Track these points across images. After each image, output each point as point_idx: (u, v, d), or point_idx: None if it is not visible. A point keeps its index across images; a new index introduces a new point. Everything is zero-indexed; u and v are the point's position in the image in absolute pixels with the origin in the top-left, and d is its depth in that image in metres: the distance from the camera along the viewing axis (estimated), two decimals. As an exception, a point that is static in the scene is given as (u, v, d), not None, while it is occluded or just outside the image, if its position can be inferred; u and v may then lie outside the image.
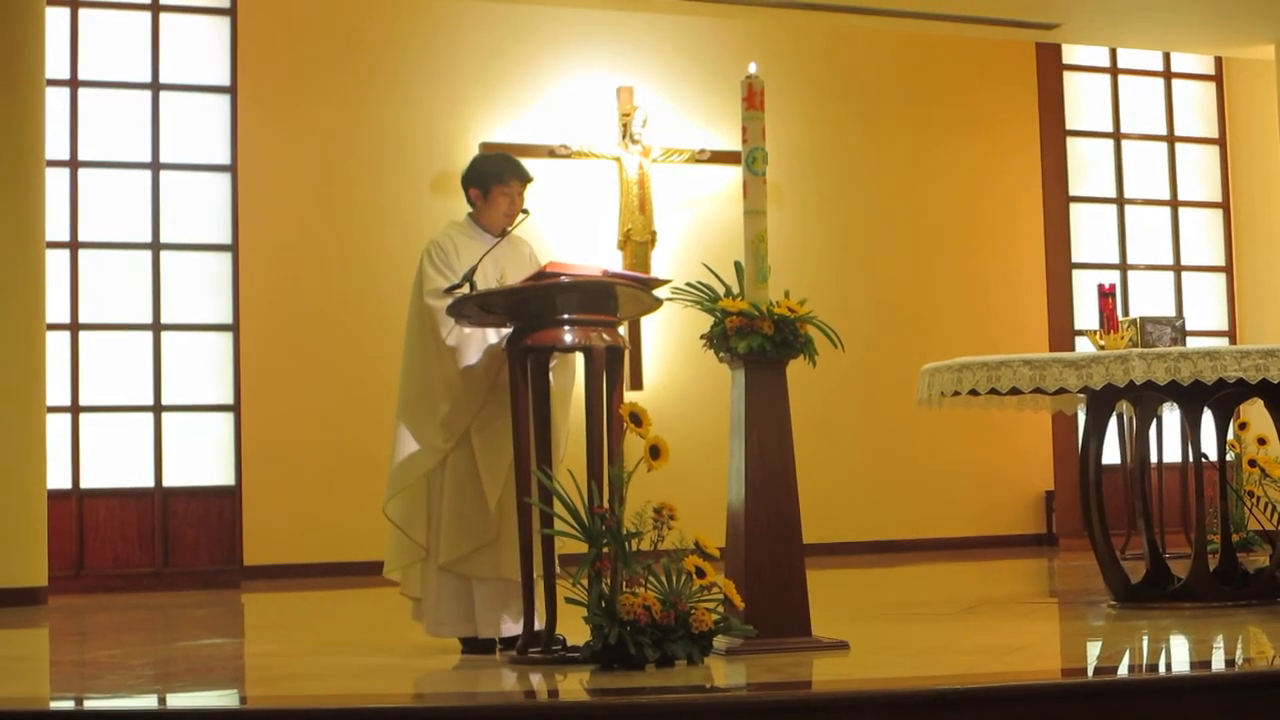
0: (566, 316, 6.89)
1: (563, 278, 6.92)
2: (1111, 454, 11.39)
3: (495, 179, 7.59)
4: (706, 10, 14.34)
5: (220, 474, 13.12)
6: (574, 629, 6.78)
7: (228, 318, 13.20)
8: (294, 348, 13.37)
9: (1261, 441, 11.08)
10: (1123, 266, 15.99)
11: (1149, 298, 15.97)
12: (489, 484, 7.27)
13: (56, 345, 12.51)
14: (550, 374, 7.25)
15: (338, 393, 13.39)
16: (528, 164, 7.79)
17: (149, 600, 11.72)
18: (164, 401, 13.04)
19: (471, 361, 7.27)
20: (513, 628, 7.26)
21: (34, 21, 11.75)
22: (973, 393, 8.47)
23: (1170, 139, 16.37)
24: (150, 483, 12.95)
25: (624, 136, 14.14)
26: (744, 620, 6.75)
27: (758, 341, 6.92)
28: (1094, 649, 7.45)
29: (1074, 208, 15.85)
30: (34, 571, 11.39)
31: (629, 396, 13.34)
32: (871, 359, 14.29)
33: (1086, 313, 15.37)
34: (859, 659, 6.69)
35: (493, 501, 7.26)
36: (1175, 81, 16.48)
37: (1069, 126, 15.92)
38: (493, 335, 7.31)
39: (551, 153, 13.74)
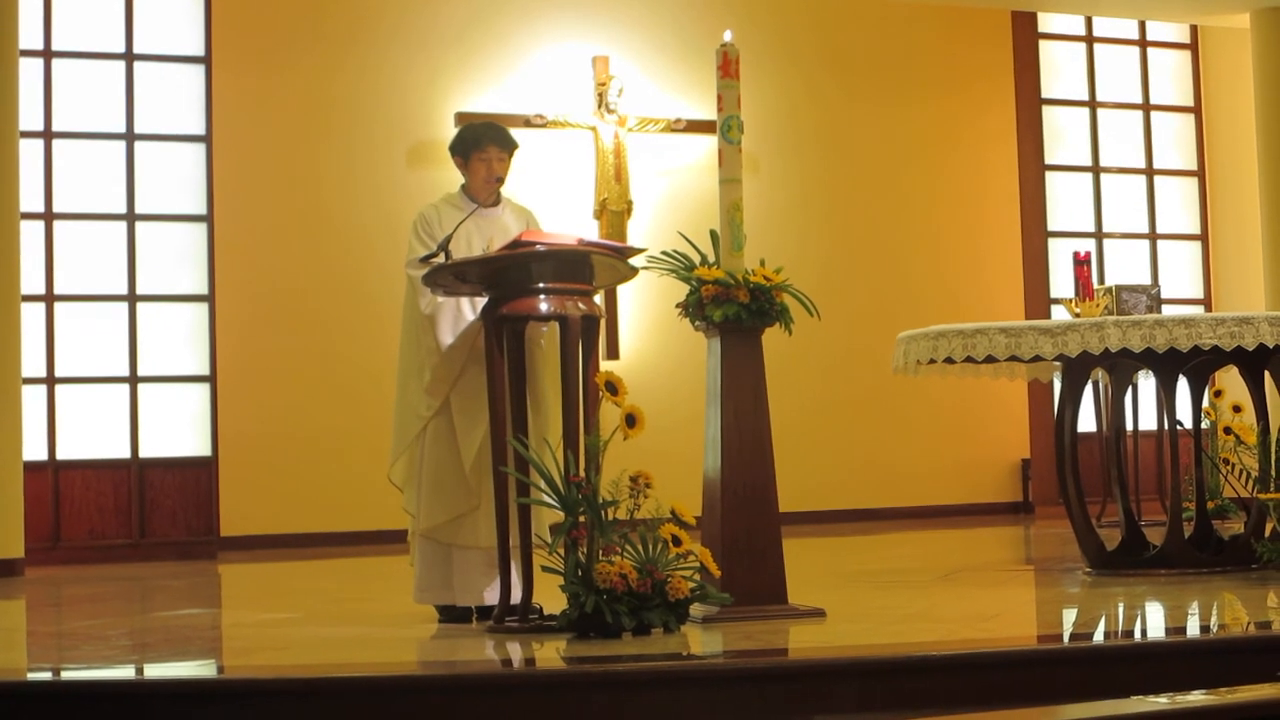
0: (542, 285, 6.88)
1: (538, 246, 6.91)
2: (1087, 422, 11.43)
3: (473, 145, 7.62)
4: (682, -21, 14.33)
5: (197, 445, 13.10)
6: (551, 598, 6.79)
7: (203, 288, 13.16)
8: (269, 318, 13.34)
9: (1236, 409, 11.12)
10: (1098, 235, 16.01)
11: (1125, 266, 16.00)
12: (465, 449, 7.28)
13: (32, 317, 12.47)
14: (543, 343, 7.27)
15: (314, 363, 13.37)
16: (506, 132, 7.80)
17: (125, 571, 11.71)
18: (140, 373, 13.01)
19: (446, 329, 7.28)
20: (492, 597, 7.27)
21: (7, -9, 11.71)
22: (949, 360, 8.48)
23: (1146, 107, 16.38)
24: (127, 454, 12.93)
25: (600, 106, 14.10)
26: (720, 588, 6.77)
27: (733, 310, 6.94)
28: (1070, 616, 7.48)
29: (1050, 176, 15.86)
30: (10, 543, 11.38)
31: (605, 365, 13.39)
32: (848, 326, 14.28)
33: (1062, 281, 15.40)
34: (835, 626, 6.71)
35: (468, 465, 7.27)
36: (1151, 50, 16.48)
37: (1045, 95, 15.92)
38: (466, 305, 7.32)
39: (527, 122, 13.70)
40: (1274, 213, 14.67)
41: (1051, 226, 15.79)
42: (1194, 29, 16.50)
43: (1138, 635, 6.76)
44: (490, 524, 7.14)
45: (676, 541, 6.47)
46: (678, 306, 7.16)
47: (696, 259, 7.10)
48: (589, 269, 7.03)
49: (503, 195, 7.70)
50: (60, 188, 12.93)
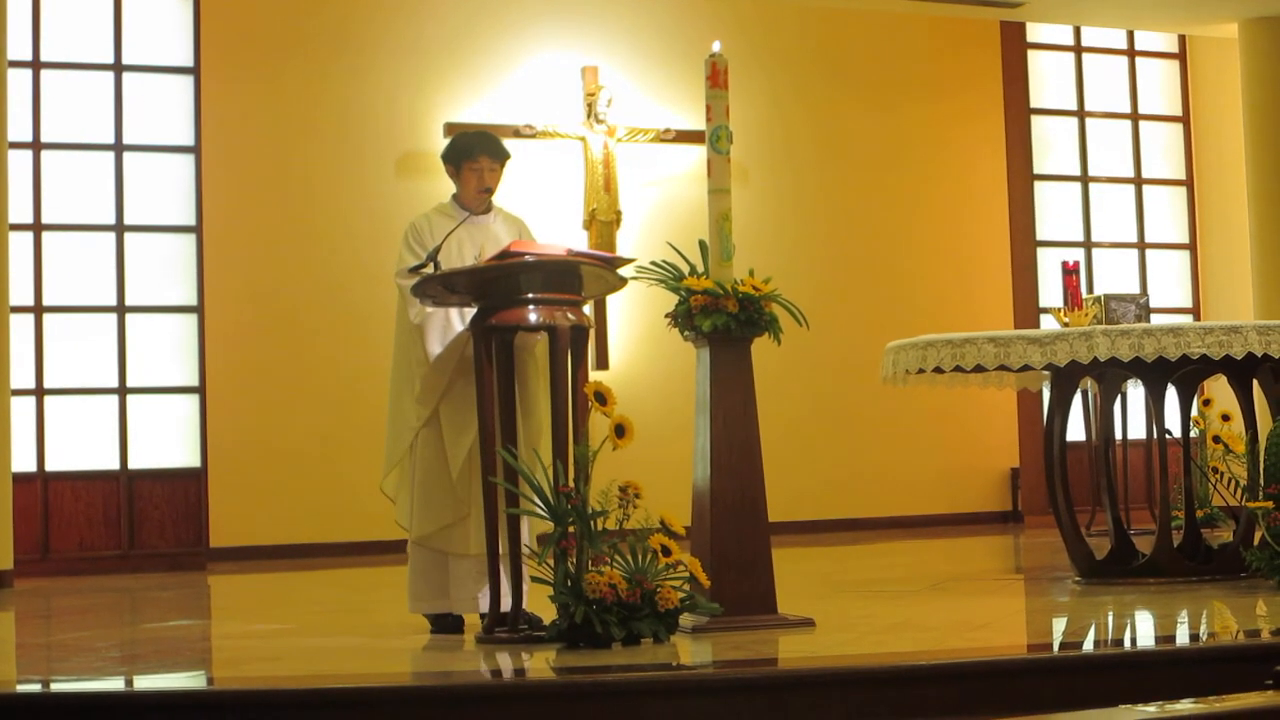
0: (531, 296, 6.88)
1: (527, 257, 6.92)
2: (1076, 431, 11.44)
3: (465, 155, 7.62)
4: (671, -11, 14.34)
5: (186, 456, 13.08)
6: (540, 608, 6.79)
7: (192, 299, 13.14)
8: (259, 329, 13.33)
9: (1225, 417, 11.12)
10: (1087, 244, 16.03)
11: (1113, 275, 16.01)
12: (452, 458, 7.28)
13: (20, 328, 12.44)
14: (535, 351, 7.27)
15: (303, 374, 13.36)
16: (497, 143, 7.81)
17: (115, 583, 11.69)
18: (129, 384, 12.99)
19: (435, 339, 7.29)
20: (485, 605, 7.26)
21: (-5, 3, 11.70)
22: (938, 370, 8.48)
23: (1134, 117, 16.40)
24: (116, 465, 12.90)
25: (589, 116, 14.10)
26: (710, 598, 6.77)
27: (722, 320, 6.94)
28: (1059, 625, 7.48)
29: (1038, 185, 15.88)
30: (-1, 555, 11.37)
31: (594, 375, 13.36)
32: (837, 336, 14.28)
33: (1051, 290, 15.40)
34: (825, 636, 6.71)
35: (454, 474, 7.27)
36: (1139, 59, 16.51)
37: (1033, 104, 15.94)
38: (455, 315, 7.32)
39: (516, 132, 13.68)
40: (1262, 221, 14.70)
41: (1040, 236, 15.80)
42: (1182, 39, 16.52)
43: (1127, 644, 6.76)
44: (480, 532, 7.15)
45: (666, 551, 6.48)
46: (667, 317, 7.16)
47: (685, 269, 7.10)
48: (578, 279, 7.04)
49: (494, 204, 7.71)
50: (49, 199, 12.90)
